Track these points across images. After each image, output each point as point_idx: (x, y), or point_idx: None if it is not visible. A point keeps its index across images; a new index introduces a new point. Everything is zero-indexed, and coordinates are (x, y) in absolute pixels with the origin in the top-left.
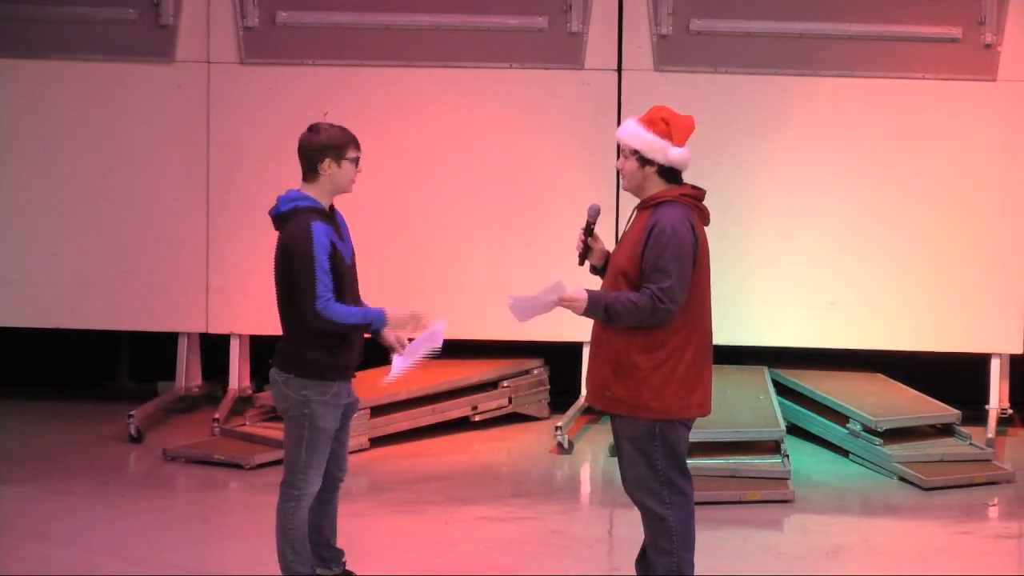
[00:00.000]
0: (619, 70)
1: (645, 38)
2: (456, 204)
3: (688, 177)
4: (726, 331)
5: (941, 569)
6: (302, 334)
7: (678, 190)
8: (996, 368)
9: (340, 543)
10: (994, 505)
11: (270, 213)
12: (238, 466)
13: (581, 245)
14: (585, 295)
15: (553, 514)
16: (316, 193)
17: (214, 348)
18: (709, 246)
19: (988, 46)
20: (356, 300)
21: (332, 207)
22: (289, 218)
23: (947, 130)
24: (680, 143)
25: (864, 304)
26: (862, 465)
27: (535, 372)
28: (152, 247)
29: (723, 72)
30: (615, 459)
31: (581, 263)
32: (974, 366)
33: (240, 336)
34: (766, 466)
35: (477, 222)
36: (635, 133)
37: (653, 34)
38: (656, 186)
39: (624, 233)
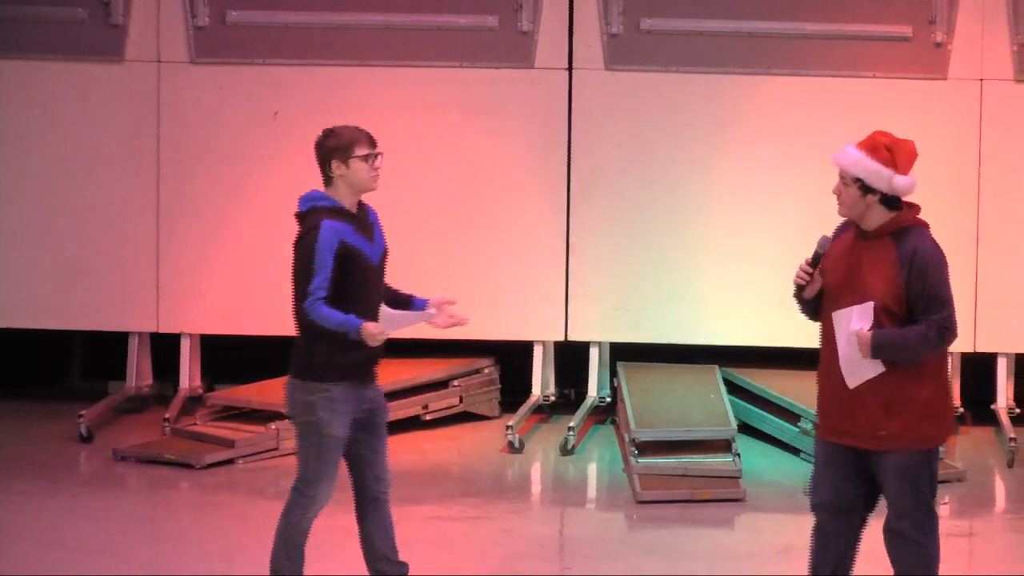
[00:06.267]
0: (570, 69)
1: (596, 37)
2: (406, 203)
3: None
4: (677, 330)
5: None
6: (310, 337)
7: (911, 213)
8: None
9: None
10: (945, 504)
11: (295, 214)
12: (188, 466)
13: (806, 276)
14: (869, 334)
15: (504, 513)
16: (336, 196)
17: (165, 348)
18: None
19: (939, 45)
20: (378, 300)
21: (364, 207)
22: (307, 217)
23: (898, 129)
24: (905, 171)
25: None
26: (813, 464)
27: (486, 371)
28: (102, 247)
29: (674, 71)
30: (565, 458)
31: (798, 294)
32: None
33: (191, 336)
34: (717, 465)
35: (427, 222)
36: (858, 161)
37: (604, 33)
38: (879, 214)
39: (852, 263)
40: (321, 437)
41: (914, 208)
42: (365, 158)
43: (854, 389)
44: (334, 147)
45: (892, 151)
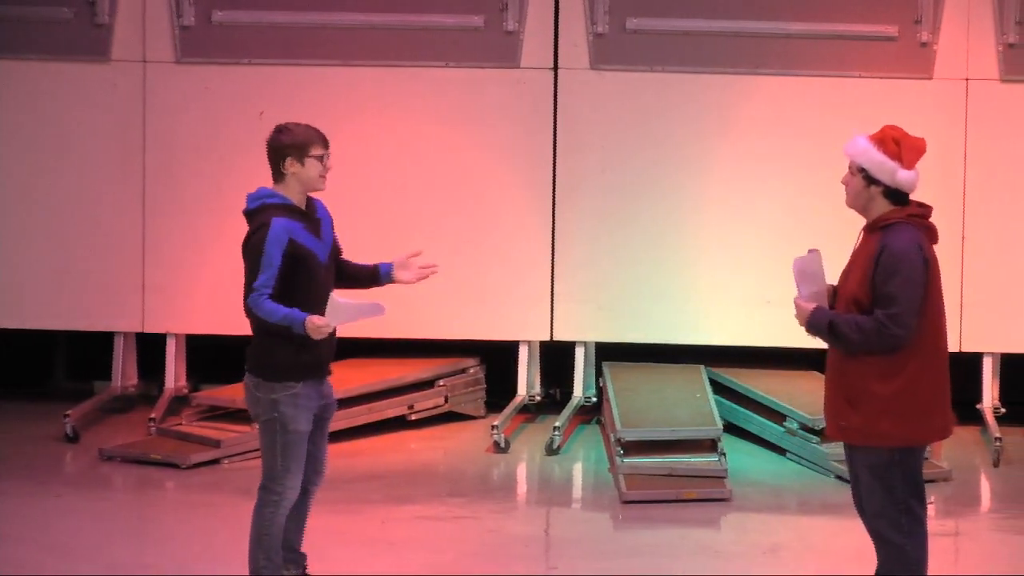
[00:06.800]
0: (555, 69)
1: (581, 36)
2: (392, 203)
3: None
4: (662, 330)
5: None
6: (270, 336)
7: (905, 211)
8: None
9: None
10: (931, 503)
11: (243, 212)
12: (174, 465)
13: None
14: (812, 307)
15: (490, 513)
16: (285, 192)
17: (151, 347)
18: (938, 264)
19: (924, 44)
20: (327, 297)
21: (312, 203)
22: (256, 215)
23: None
24: (910, 166)
25: None
26: (799, 463)
27: (471, 371)
28: (88, 246)
29: (659, 71)
30: (551, 458)
31: None
32: None
33: (176, 336)
34: (703, 464)
35: (412, 221)
36: (865, 151)
37: (589, 32)
38: (881, 207)
39: (852, 257)
40: (286, 434)
41: (925, 208)
42: (319, 158)
43: (827, 381)
44: (290, 144)
45: (899, 144)
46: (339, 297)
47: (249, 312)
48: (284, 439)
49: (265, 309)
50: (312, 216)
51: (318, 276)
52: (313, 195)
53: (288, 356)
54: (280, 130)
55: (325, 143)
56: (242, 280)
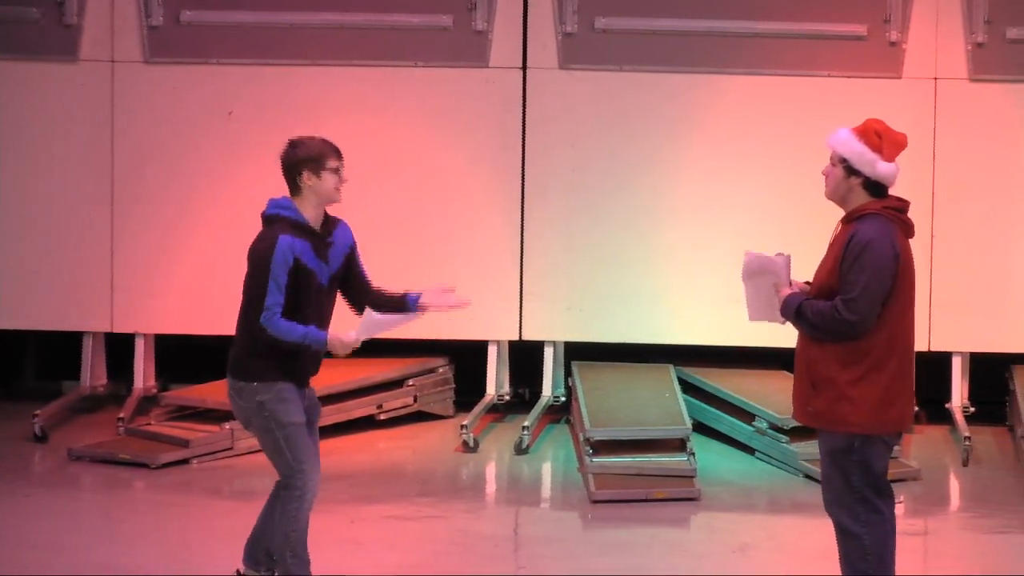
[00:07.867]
0: (524, 68)
1: (550, 36)
2: (360, 203)
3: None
4: (631, 329)
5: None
6: (252, 340)
7: (881, 203)
8: None
9: None
10: (900, 502)
11: (261, 215)
12: (143, 465)
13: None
14: (787, 293)
15: (459, 513)
16: (301, 206)
17: (120, 347)
18: (911, 257)
19: (893, 44)
20: (323, 321)
21: (331, 224)
22: (270, 223)
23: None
24: (890, 158)
25: None
26: (768, 463)
27: (440, 371)
28: (57, 246)
29: (628, 70)
30: (520, 458)
31: None
32: None
33: (145, 336)
34: (672, 464)
35: (381, 221)
36: (847, 141)
37: (558, 32)
38: (860, 198)
39: (827, 248)
40: (283, 428)
41: (903, 202)
42: (335, 170)
43: (796, 366)
44: (306, 158)
45: (881, 137)
46: (375, 313)
47: (261, 331)
48: (284, 434)
49: (282, 329)
50: (323, 237)
51: (317, 298)
52: (332, 212)
53: (273, 362)
54: (295, 144)
55: (339, 155)
56: (214, 280)
